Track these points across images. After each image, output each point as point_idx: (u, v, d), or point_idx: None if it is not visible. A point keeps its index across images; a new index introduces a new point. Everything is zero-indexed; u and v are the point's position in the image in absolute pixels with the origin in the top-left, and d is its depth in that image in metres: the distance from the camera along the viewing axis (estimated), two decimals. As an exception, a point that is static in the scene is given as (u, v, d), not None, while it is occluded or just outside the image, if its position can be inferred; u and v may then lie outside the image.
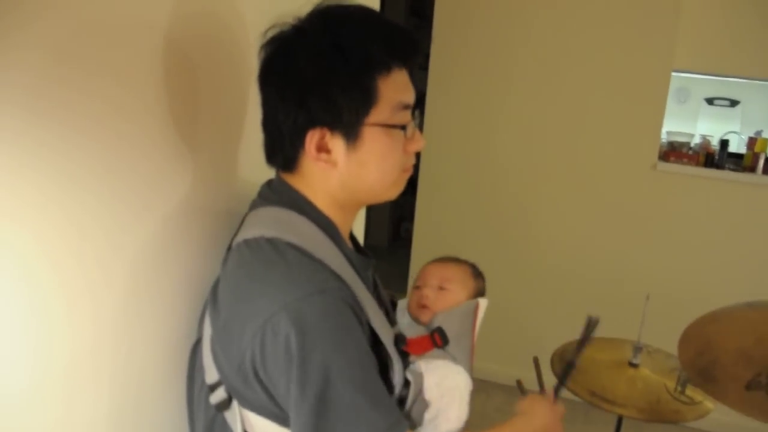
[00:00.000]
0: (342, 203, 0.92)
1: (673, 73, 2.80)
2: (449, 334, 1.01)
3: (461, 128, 3.05)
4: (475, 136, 3.04)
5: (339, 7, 0.88)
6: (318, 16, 0.87)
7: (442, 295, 1.08)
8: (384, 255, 4.30)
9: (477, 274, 1.15)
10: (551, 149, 2.95)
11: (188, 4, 0.90)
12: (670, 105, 2.86)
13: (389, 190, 0.93)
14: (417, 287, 1.12)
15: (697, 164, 2.87)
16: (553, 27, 2.86)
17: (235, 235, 0.92)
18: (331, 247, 0.88)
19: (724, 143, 2.87)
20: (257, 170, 0.96)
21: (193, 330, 0.96)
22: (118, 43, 0.77)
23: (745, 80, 3.21)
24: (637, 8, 2.75)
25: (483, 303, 1.08)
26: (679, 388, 1.64)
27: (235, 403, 0.85)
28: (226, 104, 1.03)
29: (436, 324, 1.03)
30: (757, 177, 2.79)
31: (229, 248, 0.91)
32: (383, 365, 0.86)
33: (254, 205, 0.94)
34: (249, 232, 0.87)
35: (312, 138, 0.86)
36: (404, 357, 0.94)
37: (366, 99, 0.85)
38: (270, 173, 0.96)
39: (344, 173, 0.88)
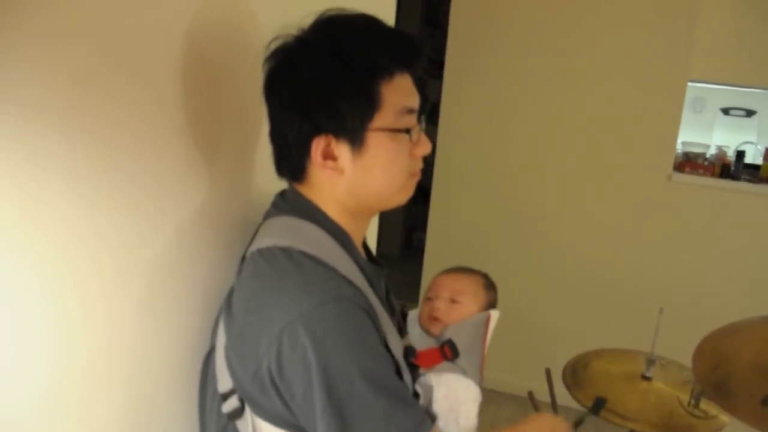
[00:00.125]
0: (352, 210, 0.93)
1: (689, 83, 2.78)
2: (459, 346, 1.01)
3: (475, 137, 3.05)
4: (488, 145, 3.04)
5: (340, 16, 0.89)
6: (320, 25, 0.88)
7: (453, 307, 1.09)
8: (396, 264, 4.29)
9: (489, 285, 1.15)
10: (565, 159, 2.94)
11: (208, 12, 0.91)
12: (686, 115, 2.84)
13: (397, 195, 0.93)
14: (428, 299, 1.12)
15: (713, 175, 2.84)
16: (568, 36, 2.86)
17: (250, 244, 0.92)
18: (343, 256, 0.89)
19: (740, 154, 2.85)
20: (273, 179, 0.97)
21: (206, 338, 0.97)
22: (141, 49, 0.79)
23: (761, 90, 3.18)
24: (653, 18, 2.74)
25: (494, 315, 1.08)
26: (693, 402, 1.62)
27: (247, 412, 0.86)
28: (244, 113, 1.05)
29: (446, 336, 1.03)
30: (774, 188, 2.75)
31: (243, 258, 0.92)
32: (394, 376, 0.86)
33: (268, 215, 0.95)
34: (263, 242, 0.88)
35: (318, 146, 0.87)
36: (414, 369, 0.94)
37: (369, 104, 0.85)
38: (284, 182, 0.97)
39: (351, 180, 0.89)
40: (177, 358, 0.95)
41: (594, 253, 2.96)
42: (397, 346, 0.87)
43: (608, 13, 2.80)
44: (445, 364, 1.00)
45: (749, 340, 1.39)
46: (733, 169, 2.83)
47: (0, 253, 0.64)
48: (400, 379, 0.86)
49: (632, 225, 2.90)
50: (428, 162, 0.98)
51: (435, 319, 1.08)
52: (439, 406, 0.94)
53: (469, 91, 3.03)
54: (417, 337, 1.07)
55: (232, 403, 0.86)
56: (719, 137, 3.22)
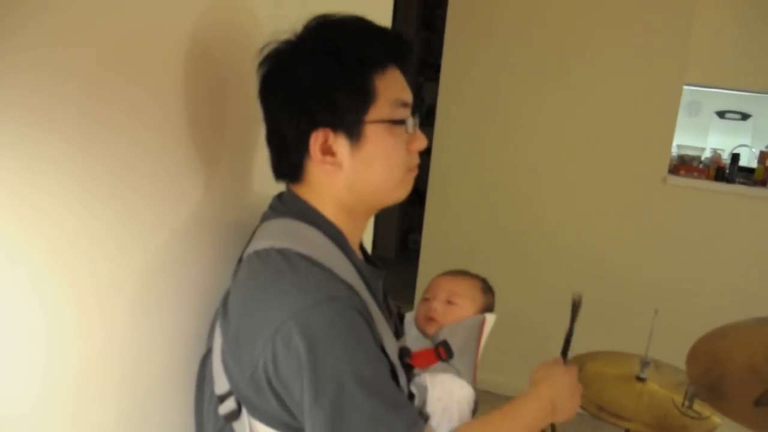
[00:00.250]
0: (350, 208, 0.93)
1: (685, 87, 2.79)
2: (454, 347, 1.02)
3: (471, 139, 3.06)
4: (484, 147, 3.05)
5: (331, 18, 0.90)
6: (312, 28, 0.90)
7: (450, 309, 1.09)
8: (391, 266, 4.27)
9: (487, 289, 1.16)
10: (561, 162, 2.95)
11: (208, 16, 0.92)
12: (681, 118, 2.85)
13: (396, 189, 0.93)
14: (426, 299, 1.13)
15: (708, 178, 2.85)
16: (564, 39, 2.87)
17: (246, 246, 0.93)
18: (340, 257, 0.89)
19: (735, 157, 2.86)
20: (269, 182, 0.98)
21: (203, 341, 0.97)
22: (137, 53, 0.79)
23: (756, 94, 3.20)
24: (649, 22, 2.75)
25: (490, 318, 1.08)
26: (686, 403, 1.63)
27: (244, 414, 0.86)
28: (241, 116, 1.05)
29: (441, 337, 1.04)
30: (768, 191, 2.76)
31: (240, 260, 0.93)
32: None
33: (265, 218, 0.96)
34: (259, 244, 0.88)
35: (316, 140, 0.87)
36: (408, 370, 0.94)
37: (365, 97, 0.87)
38: (282, 185, 0.98)
39: (350, 175, 0.89)
40: (172, 361, 0.95)
41: (589, 255, 2.97)
42: (392, 348, 0.88)
43: (604, 17, 2.81)
44: (439, 364, 1.01)
45: (742, 342, 1.40)
46: (727, 172, 2.84)
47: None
48: (396, 381, 0.86)
49: (627, 227, 2.91)
50: (424, 164, 0.99)
51: (431, 319, 1.08)
52: (433, 406, 0.95)
53: (465, 94, 3.04)
54: (413, 338, 1.08)
55: (228, 405, 0.87)
56: (714, 140, 3.24)
